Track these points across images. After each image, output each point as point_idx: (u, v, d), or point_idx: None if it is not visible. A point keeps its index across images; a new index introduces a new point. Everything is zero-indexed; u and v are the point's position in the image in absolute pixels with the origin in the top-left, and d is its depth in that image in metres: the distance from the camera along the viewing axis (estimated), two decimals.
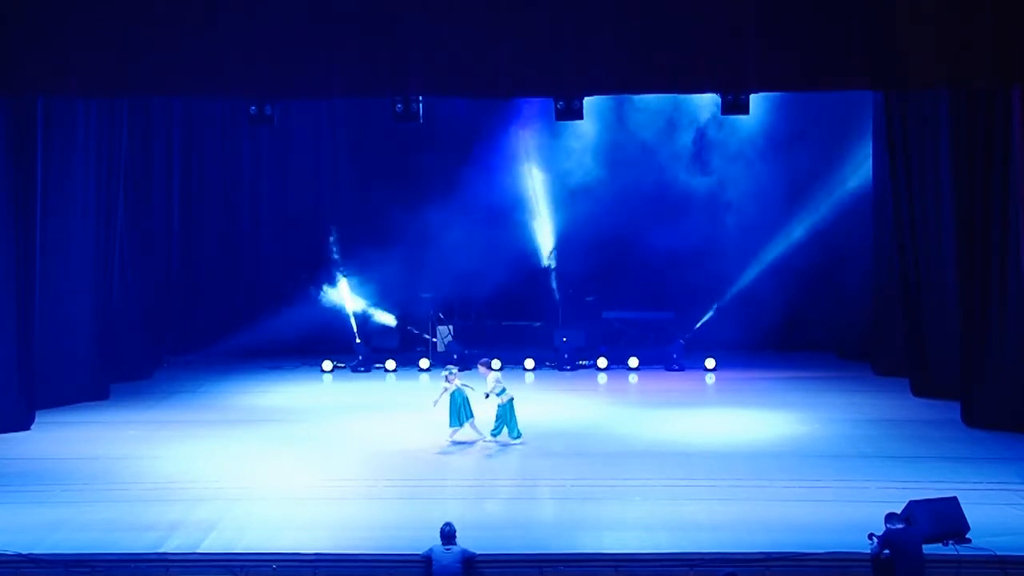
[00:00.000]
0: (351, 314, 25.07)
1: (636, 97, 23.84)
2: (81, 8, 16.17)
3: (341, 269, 25.25)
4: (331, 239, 25.54)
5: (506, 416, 17.81)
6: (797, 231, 24.74)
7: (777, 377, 23.02)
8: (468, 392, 17.88)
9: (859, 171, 24.17)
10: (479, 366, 18.68)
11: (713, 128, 24.74)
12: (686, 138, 24.95)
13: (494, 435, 17.83)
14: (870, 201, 23.77)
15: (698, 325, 24.74)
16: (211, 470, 16.56)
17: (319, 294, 25.21)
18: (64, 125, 20.22)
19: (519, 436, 17.81)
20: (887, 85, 17.92)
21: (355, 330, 24.78)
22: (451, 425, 17.83)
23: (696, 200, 25.10)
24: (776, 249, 24.77)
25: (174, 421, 19.77)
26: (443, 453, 17.55)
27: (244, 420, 19.77)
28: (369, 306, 25.39)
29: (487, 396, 17.82)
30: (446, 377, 17.99)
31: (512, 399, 17.85)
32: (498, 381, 17.93)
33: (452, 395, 17.81)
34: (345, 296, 25.22)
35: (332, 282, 25.24)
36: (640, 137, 24.94)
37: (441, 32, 16.19)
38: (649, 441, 18.08)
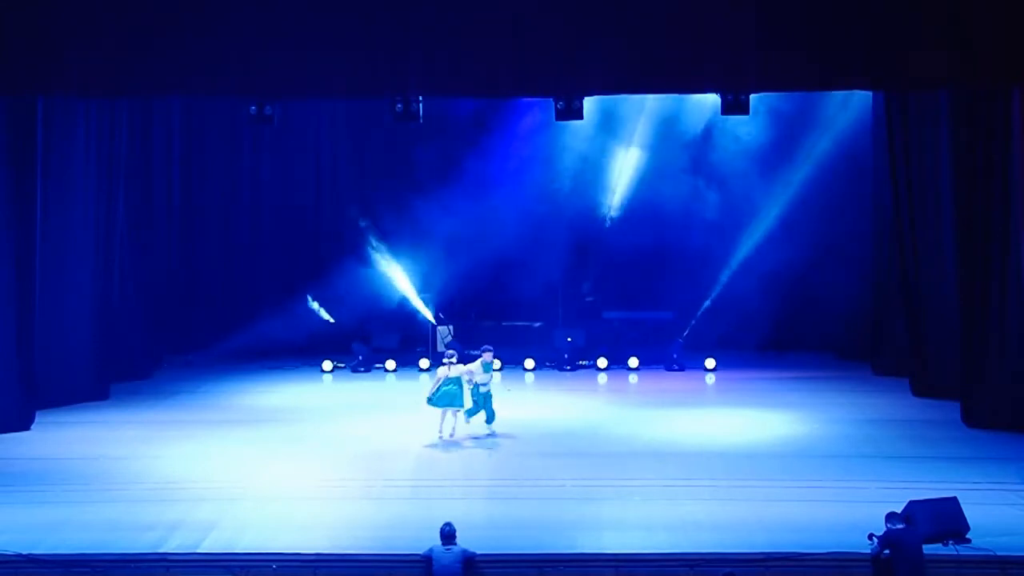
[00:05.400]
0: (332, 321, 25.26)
1: (635, 99, 23.92)
2: (81, 8, 16.19)
3: (340, 268, 25.30)
4: (330, 239, 25.60)
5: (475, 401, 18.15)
6: (797, 232, 24.74)
7: (777, 377, 23.03)
8: (465, 380, 17.97)
9: (859, 171, 24.19)
10: (485, 351, 18.49)
11: (715, 133, 24.77)
12: (688, 144, 24.96)
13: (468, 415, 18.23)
14: (870, 202, 23.78)
15: (700, 311, 24.82)
16: (211, 470, 16.57)
17: (318, 294, 25.24)
18: (64, 125, 20.20)
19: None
20: (887, 85, 17.93)
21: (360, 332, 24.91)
22: (440, 404, 17.95)
23: (697, 202, 25.08)
24: (776, 250, 24.77)
25: (174, 421, 19.77)
26: (443, 453, 17.56)
27: (244, 420, 19.77)
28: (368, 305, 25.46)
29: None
30: (444, 363, 18.05)
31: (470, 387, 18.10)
32: (471, 373, 18.00)
33: (447, 381, 17.85)
34: (344, 295, 25.31)
35: (332, 282, 25.27)
36: (641, 141, 24.99)
37: (441, 32, 16.20)
38: (649, 441, 18.07)
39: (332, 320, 25.57)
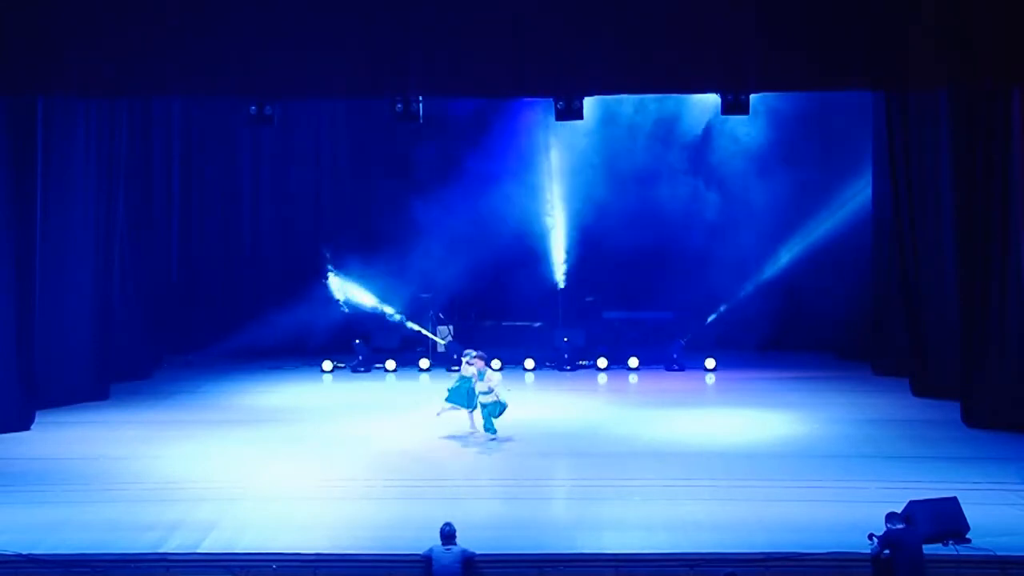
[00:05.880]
0: (346, 309, 25.18)
1: (635, 101, 23.94)
2: (81, 8, 16.20)
3: (341, 268, 25.28)
4: (331, 238, 25.61)
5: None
6: (798, 233, 24.75)
7: (777, 377, 23.01)
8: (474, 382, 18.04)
9: (859, 173, 24.20)
10: (476, 358, 18.48)
11: (715, 134, 24.76)
12: (687, 144, 24.95)
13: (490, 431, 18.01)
14: (870, 202, 23.78)
15: (708, 320, 24.84)
16: (211, 470, 16.57)
17: (319, 294, 25.22)
18: (64, 125, 20.20)
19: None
20: (887, 85, 17.92)
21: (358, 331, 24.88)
22: (450, 401, 18.12)
23: (697, 202, 25.07)
24: (776, 250, 24.78)
25: (174, 421, 19.76)
26: (443, 453, 17.55)
27: (244, 420, 19.77)
28: (369, 305, 25.43)
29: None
30: (467, 362, 18.13)
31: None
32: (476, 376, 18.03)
33: (462, 379, 18.05)
34: (345, 295, 25.27)
35: (332, 282, 25.26)
36: (640, 141, 24.97)
37: (441, 32, 16.21)
38: (649, 441, 18.07)
39: (346, 309, 25.47)
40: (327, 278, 25.23)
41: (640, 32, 16.11)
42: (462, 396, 18.09)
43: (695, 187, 25.06)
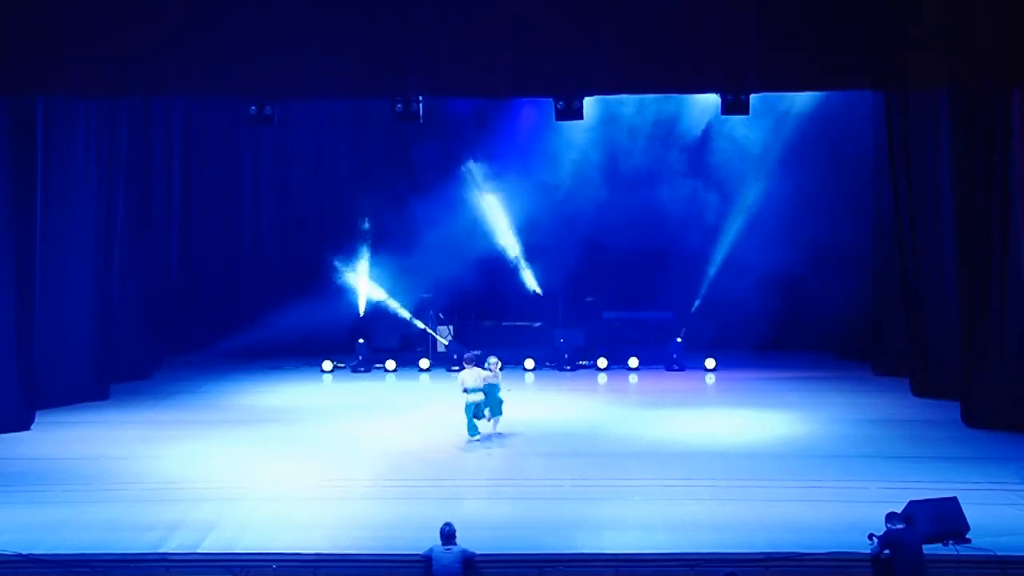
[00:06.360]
0: (362, 313, 25.20)
1: (635, 102, 23.93)
2: (81, 8, 16.22)
3: (341, 268, 25.29)
4: (331, 239, 25.61)
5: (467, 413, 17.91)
6: (797, 233, 24.73)
7: (777, 377, 23.02)
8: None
9: (859, 174, 24.21)
10: (463, 361, 18.55)
11: (714, 133, 24.76)
12: (687, 145, 24.95)
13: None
14: (870, 202, 23.78)
15: (695, 305, 24.84)
16: (211, 470, 16.57)
17: (319, 294, 25.22)
18: (64, 125, 20.21)
19: (474, 434, 17.94)
20: (887, 85, 17.93)
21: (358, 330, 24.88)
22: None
23: (697, 202, 25.08)
24: (776, 249, 24.76)
25: (174, 421, 19.77)
26: (443, 453, 17.54)
27: (244, 420, 19.77)
28: (369, 305, 25.44)
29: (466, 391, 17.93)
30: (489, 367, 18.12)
31: (476, 402, 17.88)
32: (484, 379, 17.98)
33: (488, 387, 17.98)
34: (344, 295, 25.30)
35: (332, 281, 25.27)
36: (640, 142, 24.97)
37: (441, 32, 16.23)
38: (649, 441, 18.07)
39: (362, 314, 25.44)
40: (336, 280, 25.21)
41: (640, 32, 16.12)
42: (495, 404, 18.12)
43: (695, 187, 25.05)
